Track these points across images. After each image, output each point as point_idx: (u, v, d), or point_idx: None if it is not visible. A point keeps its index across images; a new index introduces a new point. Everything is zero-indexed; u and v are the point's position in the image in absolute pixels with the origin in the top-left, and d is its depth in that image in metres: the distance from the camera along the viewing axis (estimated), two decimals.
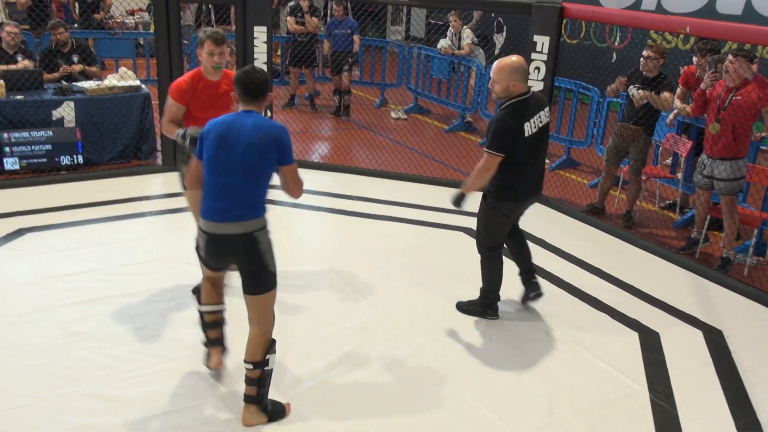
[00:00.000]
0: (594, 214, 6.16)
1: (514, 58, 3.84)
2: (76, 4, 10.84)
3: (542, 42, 6.09)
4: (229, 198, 2.96)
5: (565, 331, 4.21)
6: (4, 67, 6.75)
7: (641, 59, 5.78)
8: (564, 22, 6.24)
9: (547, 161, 7.14)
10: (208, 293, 3.35)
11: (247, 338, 3.11)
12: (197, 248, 3.18)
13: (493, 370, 3.78)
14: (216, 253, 3.09)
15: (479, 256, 4.25)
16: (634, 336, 4.21)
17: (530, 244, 5.35)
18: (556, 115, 7.64)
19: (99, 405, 3.27)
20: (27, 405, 3.24)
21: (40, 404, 3.25)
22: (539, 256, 5.21)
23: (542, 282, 4.80)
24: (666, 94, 5.66)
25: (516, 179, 3.95)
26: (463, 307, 4.38)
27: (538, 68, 6.14)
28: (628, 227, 5.96)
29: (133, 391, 3.39)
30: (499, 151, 3.81)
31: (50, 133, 6.32)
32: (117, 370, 3.54)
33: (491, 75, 3.85)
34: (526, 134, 3.84)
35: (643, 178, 6.20)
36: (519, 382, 3.68)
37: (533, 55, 6.15)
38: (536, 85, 6.15)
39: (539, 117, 3.90)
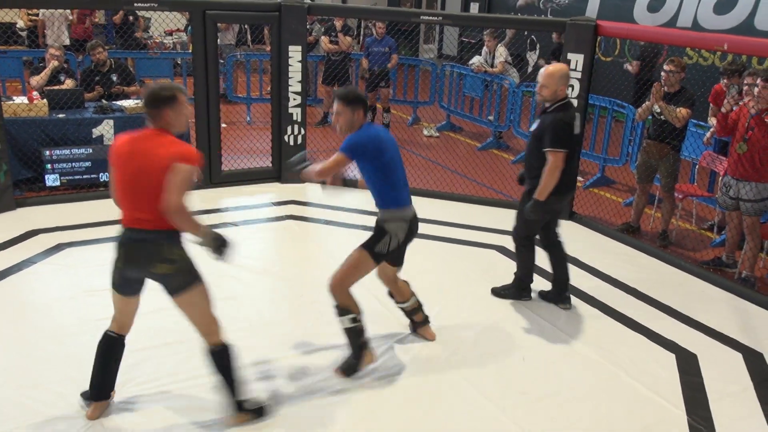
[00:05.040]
0: (629, 233, 6.08)
1: (561, 65, 4.41)
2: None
3: (576, 60, 6.06)
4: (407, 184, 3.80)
5: (600, 352, 4.15)
6: (47, 87, 6.96)
7: (662, 73, 5.73)
8: (598, 39, 6.20)
9: (581, 179, 7.08)
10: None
11: None
12: (390, 247, 3.67)
13: (528, 393, 3.73)
14: (414, 234, 3.81)
15: (514, 245, 4.69)
16: (671, 358, 4.12)
17: None
18: (590, 133, 7.57)
19: (136, 418, 3.32)
20: (67, 417, 3.30)
21: (79, 417, 3.30)
22: (574, 275, 5.16)
23: (577, 302, 4.76)
24: (681, 110, 5.58)
25: (563, 175, 4.26)
26: (500, 292, 4.75)
27: (572, 86, 6.09)
28: (664, 246, 5.86)
29: (169, 404, 3.43)
30: (563, 147, 4.19)
31: (90, 150, 6.47)
32: (154, 384, 3.60)
33: (540, 80, 4.28)
34: (576, 131, 4.34)
35: (680, 196, 6.11)
36: (555, 405, 3.63)
37: None
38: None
39: (578, 117, 4.44)
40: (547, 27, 8.33)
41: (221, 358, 3.21)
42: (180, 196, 2.94)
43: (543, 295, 4.76)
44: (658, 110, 5.71)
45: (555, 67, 4.33)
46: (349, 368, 3.74)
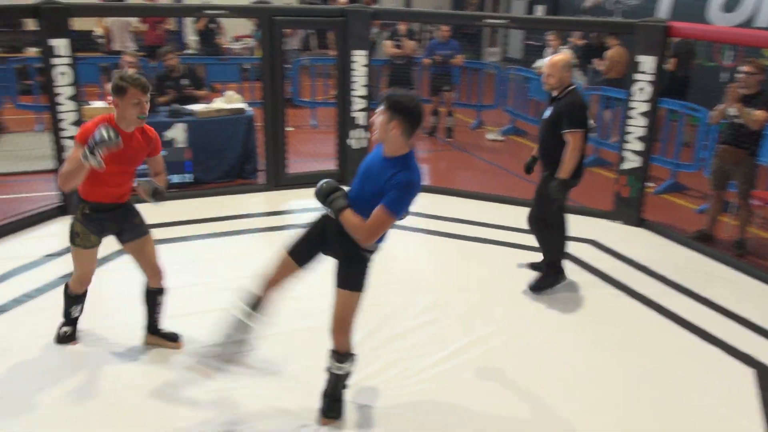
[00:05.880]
0: (703, 241, 5.86)
1: (564, 55, 4.75)
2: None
3: (646, 62, 5.88)
4: None
5: (672, 366, 4.01)
6: None
7: (739, 75, 5.51)
8: (669, 41, 6.00)
9: (651, 184, 6.88)
10: None
11: None
12: None
13: (594, 406, 3.64)
14: None
15: (533, 232, 4.83)
16: (748, 372, 3.95)
17: (634, 270, 5.24)
18: (661, 137, 7.34)
19: (199, 414, 3.41)
20: (134, 407, 3.42)
21: (143, 406, 3.42)
22: (642, 284, 5.02)
23: (649, 312, 4.63)
24: (758, 113, 5.33)
25: (582, 157, 4.55)
26: (537, 286, 4.82)
27: (642, 89, 5.93)
28: (740, 255, 5.62)
29: (227, 403, 3.50)
30: (582, 127, 4.46)
31: (163, 153, 6.64)
32: (218, 381, 3.65)
33: (546, 70, 4.61)
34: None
35: (758, 203, 5.85)
36: (623, 418, 3.53)
37: (636, 76, 5.94)
38: (641, 107, 5.96)
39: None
40: (616, 29, 8.12)
41: (65, 293, 3.90)
42: (63, 168, 3.42)
43: (534, 266, 5.09)
44: (734, 113, 5.49)
45: (558, 56, 4.66)
46: (338, 412, 3.38)
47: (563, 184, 4.54)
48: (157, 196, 3.74)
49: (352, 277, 3.13)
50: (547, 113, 4.68)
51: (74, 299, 3.93)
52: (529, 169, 5.04)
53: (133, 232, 3.79)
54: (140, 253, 3.83)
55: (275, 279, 3.22)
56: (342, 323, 3.18)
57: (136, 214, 3.84)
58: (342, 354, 3.25)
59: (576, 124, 4.47)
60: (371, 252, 3.16)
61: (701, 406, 3.63)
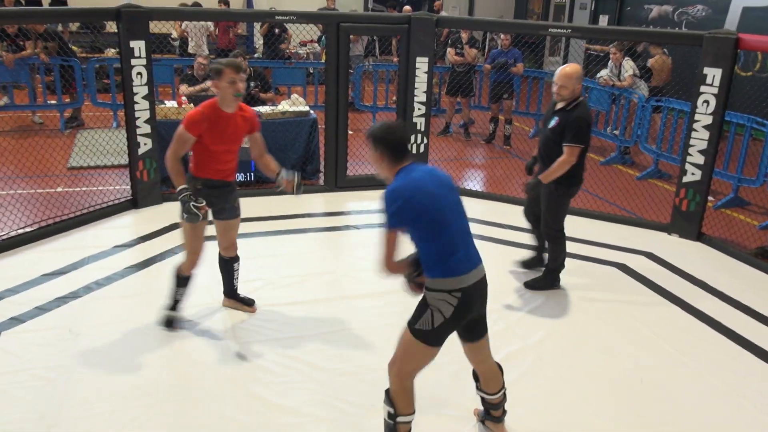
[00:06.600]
0: (765, 258, 5.74)
1: (576, 66, 4.57)
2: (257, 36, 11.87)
3: (713, 74, 5.80)
4: (470, 239, 2.98)
5: (728, 383, 3.97)
6: (192, 90, 7.55)
7: None
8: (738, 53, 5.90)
9: (711, 199, 6.78)
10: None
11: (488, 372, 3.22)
12: (434, 324, 2.86)
13: (646, 417, 3.65)
14: (479, 303, 2.97)
15: (547, 240, 4.95)
16: None
17: (691, 285, 5.21)
18: (724, 151, 7.21)
19: (257, 407, 3.55)
20: (196, 398, 3.61)
21: (205, 397, 3.60)
22: (700, 299, 4.97)
23: (704, 327, 4.60)
24: None
25: (582, 168, 4.68)
26: (533, 285, 4.99)
27: (707, 102, 5.85)
28: None
29: (288, 397, 3.65)
30: (582, 143, 4.54)
31: None
32: (275, 375, 3.83)
33: (557, 81, 4.53)
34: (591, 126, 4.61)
35: None
36: None
37: (702, 88, 5.87)
38: (704, 119, 5.88)
39: None
40: (683, 40, 8.00)
41: (175, 274, 4.14)
42: (170, 150, 3.83)
43: (526, 264, 5.30)
44: None
45: (571, 68, 4.55)
46: None
47: (539, 185, 4.73)
48: (300, 188, 4.12)
49: (413, 316, 2.93)
50: (552, 123, 4.67)
51: (182, 281, 4.15)
52: (530, 171, 5.08)
53: (230, 213, 4.17)
54: (227, 230, 4.25)
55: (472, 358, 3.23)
56: (396, 361, 2.98)
57: (237, 196, 4.20)
58: (388, 395, 3.00)
59: (578, 140, 4.53)
60: (437, 292, 2.87)
61: (759, 425, 3.59)
